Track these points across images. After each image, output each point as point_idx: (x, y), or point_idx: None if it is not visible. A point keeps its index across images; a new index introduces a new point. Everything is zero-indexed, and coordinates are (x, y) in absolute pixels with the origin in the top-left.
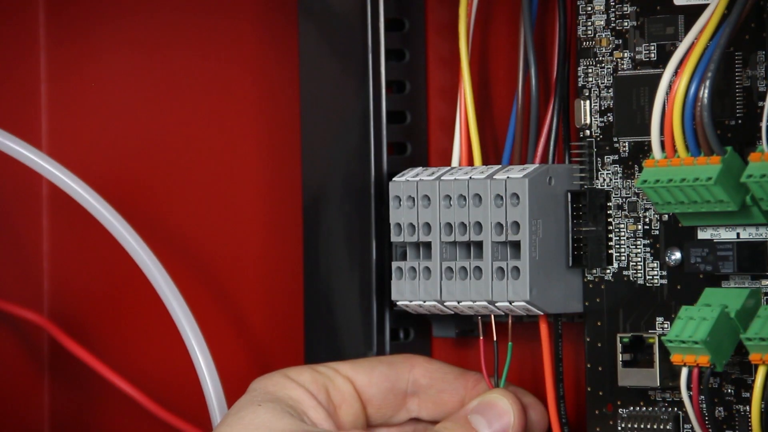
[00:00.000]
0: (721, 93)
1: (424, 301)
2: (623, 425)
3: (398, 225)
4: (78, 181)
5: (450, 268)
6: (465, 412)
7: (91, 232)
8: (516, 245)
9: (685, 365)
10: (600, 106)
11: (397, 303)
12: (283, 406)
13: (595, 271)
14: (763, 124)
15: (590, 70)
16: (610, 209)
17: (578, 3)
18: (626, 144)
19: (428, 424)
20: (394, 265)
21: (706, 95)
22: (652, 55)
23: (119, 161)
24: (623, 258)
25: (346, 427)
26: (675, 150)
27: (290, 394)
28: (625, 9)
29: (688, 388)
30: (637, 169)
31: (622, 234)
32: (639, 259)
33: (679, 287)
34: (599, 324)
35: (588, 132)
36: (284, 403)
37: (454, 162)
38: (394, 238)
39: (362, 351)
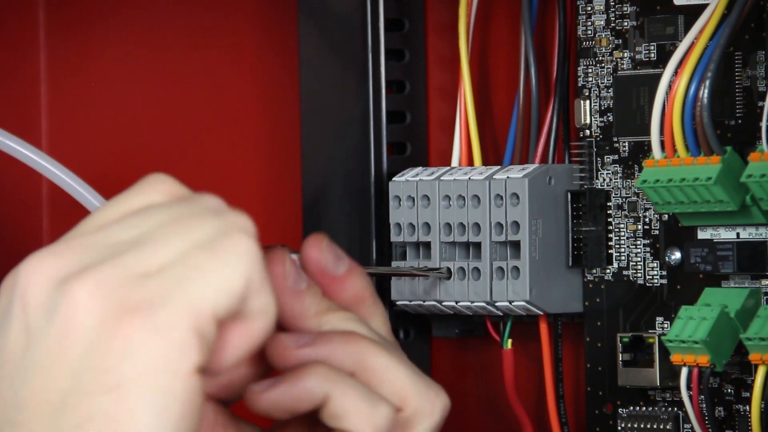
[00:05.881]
0: (721, 93)
1: (424, 301)
2: (623, 425)
3: (398, 225)
4: (78, 181)
5: (449, 268)
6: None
7: None
8: (516, 245)
9: (685, 365)
10: (600, 106)
11: (397, 303)
12: None
13: (595, 271)
14: (763, 124)
15: (590, 70)
16: (610, 209)
17: (578, 3)
18: (626, 144)
19: None
20: (394, 264)
21: (705, 95)
22: (652, 55)
23: (119, 161)
24: (623, 258)
25: None
26: (675, 150)
27: None
28: (625, 9)
29: (688, 388)
30: (637, 169)
31: (622, 234)
32: (639, 259)
33: (679, 287)
34: (599, 324)
35: (588, 132)
36: None
37: (454, 162)
38: (393, 238)
39: None
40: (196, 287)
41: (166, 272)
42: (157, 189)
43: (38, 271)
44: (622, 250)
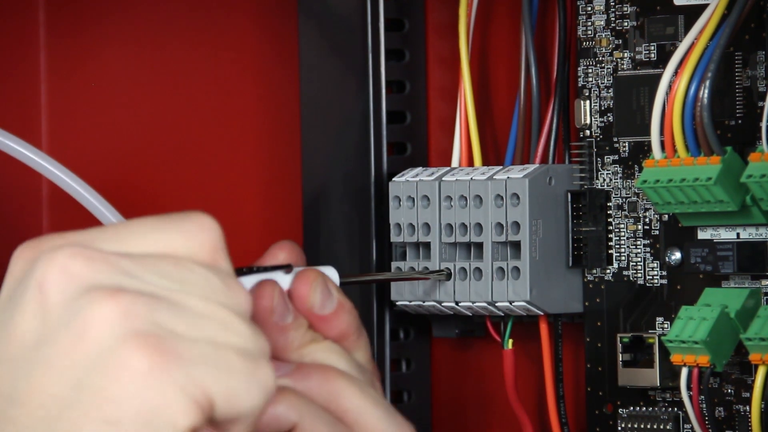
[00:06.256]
0: (721, 93)
1: (424, 302)
2: (623, 425)
3: (398, 225)
4: (78, 181)
5: (449, 270)
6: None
7: None
8: (516, 245)
9: (685, 365)
10: (600, 106)
11: (397, 303)
12: None
13: (595, 271)
14: (763, 124)
15: (590, 70)
16: (610, 209)
17: (578, 3)
18: (626, 144)
19: None
20: (394, 265)
21: (706, 95)
22: (652, 55)
23: (119, 161)
24: (623, 258)
25: None
26: (675, 150)
27: None
28: (625, 9)
29: (688, 388)
30: (637, 169)
31: (622, 234)
32: (639, 259)
33: (679, 287)
34: (599, 324)
35: (588, 132)
36: None
37: (454, 162)
38: (393, 239)
39: None
40: (216, 375)
41: (197, 346)
42: (199, 240)
43: (65, 267)
44: (622, 250)
